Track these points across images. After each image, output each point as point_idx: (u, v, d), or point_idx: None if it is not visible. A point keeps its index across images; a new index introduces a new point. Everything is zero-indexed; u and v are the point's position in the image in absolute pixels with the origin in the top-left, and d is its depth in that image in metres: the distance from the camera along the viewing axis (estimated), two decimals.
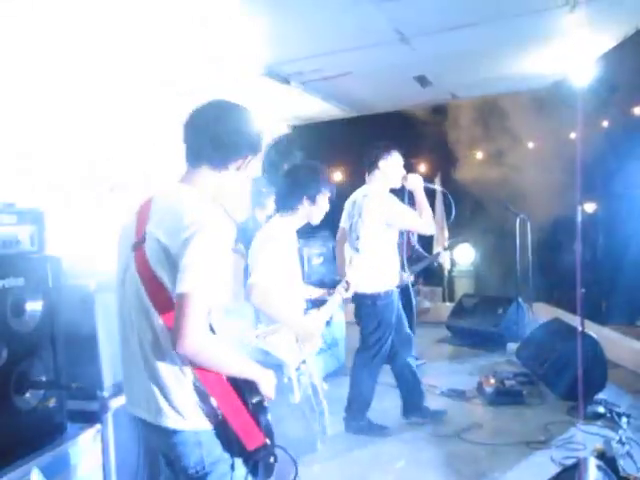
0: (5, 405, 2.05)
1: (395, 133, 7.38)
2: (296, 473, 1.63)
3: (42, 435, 2.20)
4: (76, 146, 3.33)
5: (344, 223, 3.94)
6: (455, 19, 4.00)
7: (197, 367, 1.42)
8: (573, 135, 6.99)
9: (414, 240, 4.79)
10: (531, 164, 6.91)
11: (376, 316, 3.67)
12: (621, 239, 6.45)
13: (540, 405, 4.16)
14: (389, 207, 3.64)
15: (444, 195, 3.79)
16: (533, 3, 3.85)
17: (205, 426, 1.44)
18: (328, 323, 2.87)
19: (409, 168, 3.92)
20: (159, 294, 1.43)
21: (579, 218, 4.03)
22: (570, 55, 4.90)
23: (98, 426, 2.42)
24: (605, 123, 7.12)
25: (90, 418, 2.43)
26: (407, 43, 4.32)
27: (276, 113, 6.10)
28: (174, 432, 1.43)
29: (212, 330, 1.45)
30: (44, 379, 2.22)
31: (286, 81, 4.90)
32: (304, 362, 2.60)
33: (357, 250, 3.72)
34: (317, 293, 2.95)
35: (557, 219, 6.50)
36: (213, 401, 1.43)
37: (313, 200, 2.69)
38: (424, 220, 3.70)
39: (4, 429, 2.02)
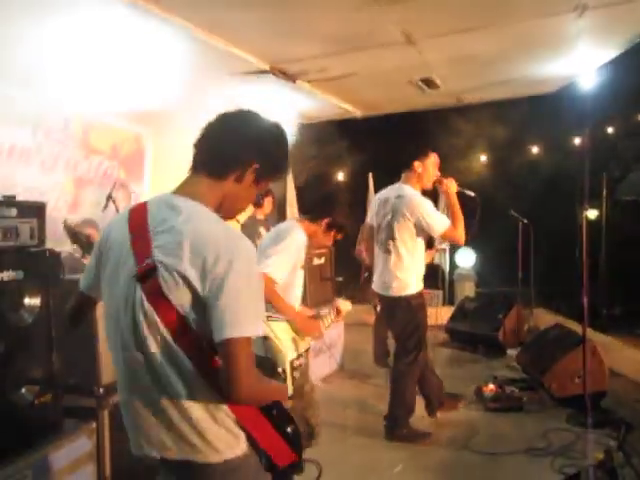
0: (1, 400, 2.02)
1: (400, 133, 7.38)
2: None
3: (38, 431, 2.18)
4: None
5: (371, 220, 3.87)
6: (463, 22, 3.97)
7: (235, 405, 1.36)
8: (577, 141, 6.97)
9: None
10: (534, 169, 6.89)
11: (413, 318, 3.63)
12: (623, 247, 6.42)
13: (540, 412, 4.12)
14: (423, 211, 3.53)
15: (473, 201, 3.72)
16: (541, 8, 3.82)
17: (236, 454, 1.39)
18: None
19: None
20: (185, 335, 1.30)
21: (584, 225, 4.00)
22: (577, 60, 4.88)
23: (94, 423, 2.40)
24: (610, 129, 7.09)
25: (86, 414, 2.42)
26: (414, 45, 4.30)
27: (281, 111, 6.08)
28: (208, 466, 1.37)
29: None
30: (41, 375, 2.20)
31: (292, 80, 4.89)
32: (301, 356, 2.57)
33: (387, 251, 3.66)
34: (308, 313, 2.95)
35: (559, 225, 6.47)
36: (244, 429, 1.39)
37: (334, 225, 2.95)
38: (456, 229, 3.52)
39: None
